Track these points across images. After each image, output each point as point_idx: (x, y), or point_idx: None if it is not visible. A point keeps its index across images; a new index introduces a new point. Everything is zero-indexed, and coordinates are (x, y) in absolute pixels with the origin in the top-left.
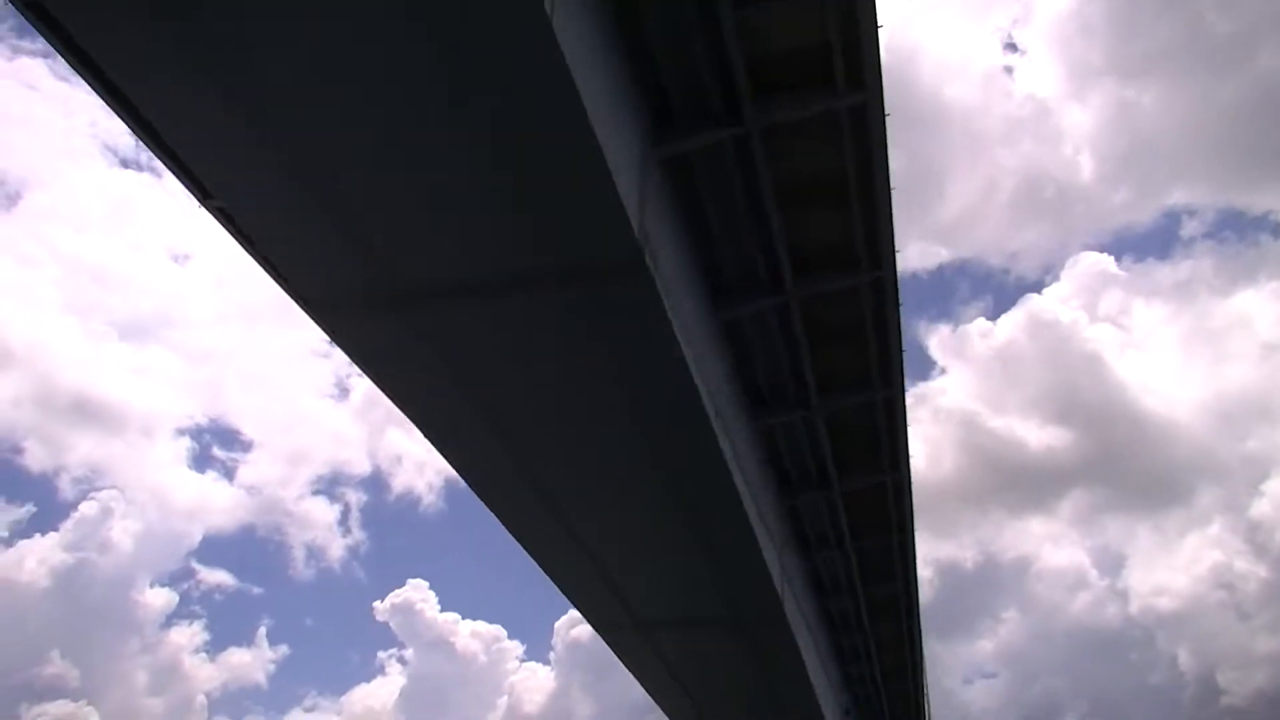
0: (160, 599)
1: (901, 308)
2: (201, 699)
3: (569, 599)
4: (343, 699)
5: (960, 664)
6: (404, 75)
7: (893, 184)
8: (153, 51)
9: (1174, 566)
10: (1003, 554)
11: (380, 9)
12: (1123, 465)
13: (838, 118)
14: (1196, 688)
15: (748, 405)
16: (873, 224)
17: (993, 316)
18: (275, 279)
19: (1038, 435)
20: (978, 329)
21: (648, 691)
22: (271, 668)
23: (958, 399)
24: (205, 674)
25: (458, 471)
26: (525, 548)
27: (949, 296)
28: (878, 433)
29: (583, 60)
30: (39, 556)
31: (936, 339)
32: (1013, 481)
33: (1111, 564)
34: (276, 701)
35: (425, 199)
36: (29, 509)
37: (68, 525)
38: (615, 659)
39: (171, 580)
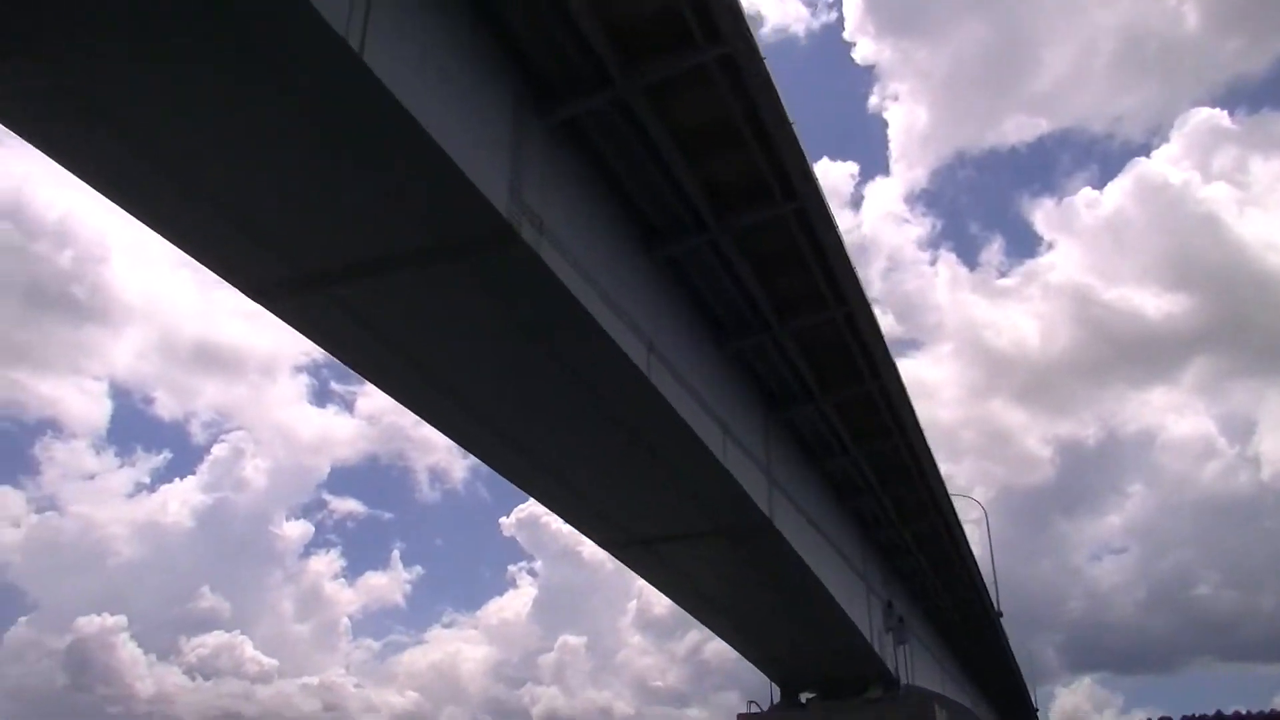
0: (297, 530)
1: (841, 230)
2: (345, 622)
3: (566, 521)
4: (478, 613)
5: (1087, 541)
6: (250, 101)
7: (792, 119)
8: (17, 90)
9: None
10: (1125, 428)
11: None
12: (1247, 328)
13: (708, 71)
14: None
15: (711, 334)
16: (777, 159)
17: (1099, 185)
18: (220, 275)
19: (1155, 304)
20: (1084, 200)
21: (677, 603)
22: (408, 588)
23: (1068, 273)
24: (346, 598)
25: (426, 420)
26: (508, 479)
27: (1051, 169)
28: (849, 347)
29: (417, 61)
30: (180, 499)
31: (1041, 214)
32: (1132, 353)
33: (1240, 431)
34: (416, 620)
35: (302, 198)
36: (165, 455)
37: (203, 468)
38: None
39: (305, 512)
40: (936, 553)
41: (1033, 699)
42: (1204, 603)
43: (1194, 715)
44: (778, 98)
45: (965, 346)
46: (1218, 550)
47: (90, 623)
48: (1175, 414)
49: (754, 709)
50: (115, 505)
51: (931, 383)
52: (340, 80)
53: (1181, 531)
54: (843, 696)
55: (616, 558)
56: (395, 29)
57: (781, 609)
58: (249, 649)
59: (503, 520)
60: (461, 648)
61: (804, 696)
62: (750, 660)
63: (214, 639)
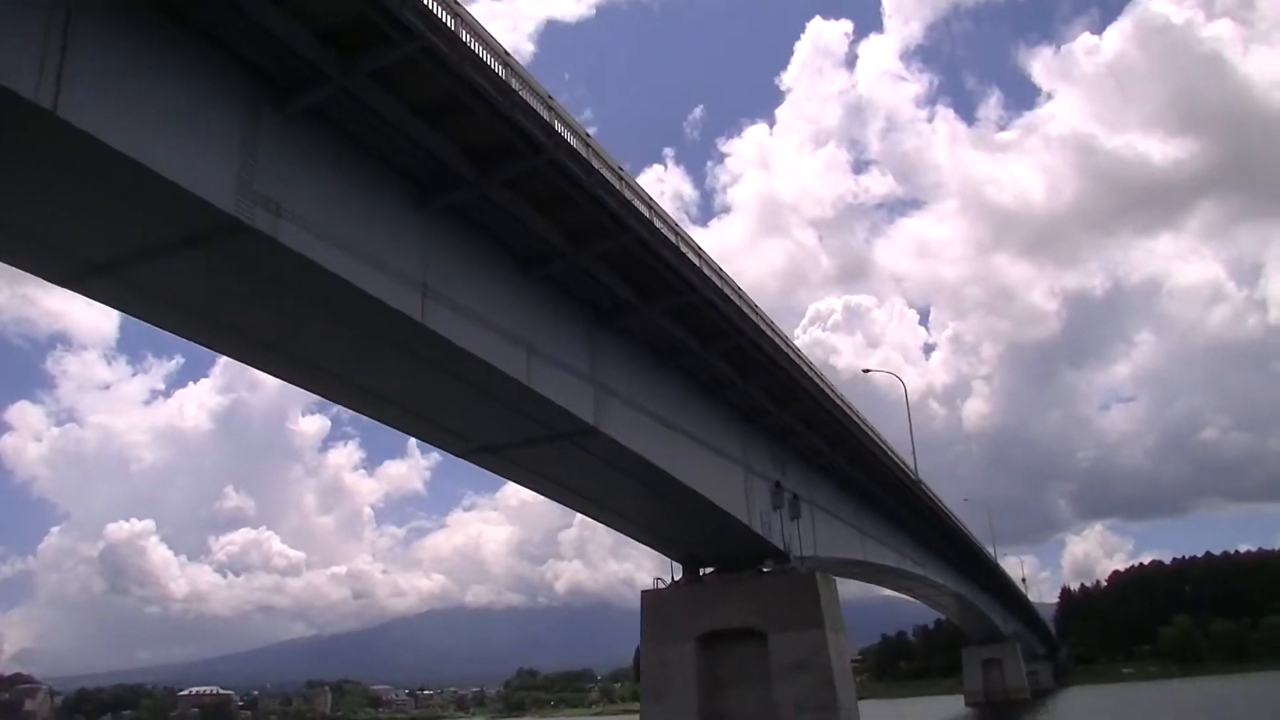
0: (314, 426)
1: (606, 172)
2: (368, 511)
3: (421, 439)
4: (497, 495)
5: (1096, 391)
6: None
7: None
8: None
9: None
10: (1132, 277)
11: None
12: (1254, 170)
13: (416, 60)
14: None
15: (520, 266)
16: (513, 122)
17: (1098, 30)
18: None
19: (1160, 150)
20: (1083, 46)
21: (551, 499)
22: (427, 474)
23: (1069, 124)
24: (367, 488)
25: (278, 376)
26: (364, 414)
27: (1049, 16)
28: (655, 266)
29: (131, 98)
30: (196, 403)
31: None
32: (1138, 201)
33: (1248, 274)
34: (437, 505)
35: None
36: (178, 360)
37: (215, 370)
38: None
39: (320, 407)
40: (832, 433)
41: (990, 554)
42: (1212, 447)
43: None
44: (494, 74)
45: (968, 204)
46: (1226, 394)
47: (120, 529)
48: (1182, 260)
49: (659, 584)
50: (133, 413)
51: (935, 242)
52: (45, 136)
53: (1190, 378)
54: (738, 570)
55: (475, 464)
56: (96, 81)
57: (644, 498)
58: (276, 544)
59: None
60: (483, 529)
61: (704, 571)
62: (643, 543)
63: (241, 536)
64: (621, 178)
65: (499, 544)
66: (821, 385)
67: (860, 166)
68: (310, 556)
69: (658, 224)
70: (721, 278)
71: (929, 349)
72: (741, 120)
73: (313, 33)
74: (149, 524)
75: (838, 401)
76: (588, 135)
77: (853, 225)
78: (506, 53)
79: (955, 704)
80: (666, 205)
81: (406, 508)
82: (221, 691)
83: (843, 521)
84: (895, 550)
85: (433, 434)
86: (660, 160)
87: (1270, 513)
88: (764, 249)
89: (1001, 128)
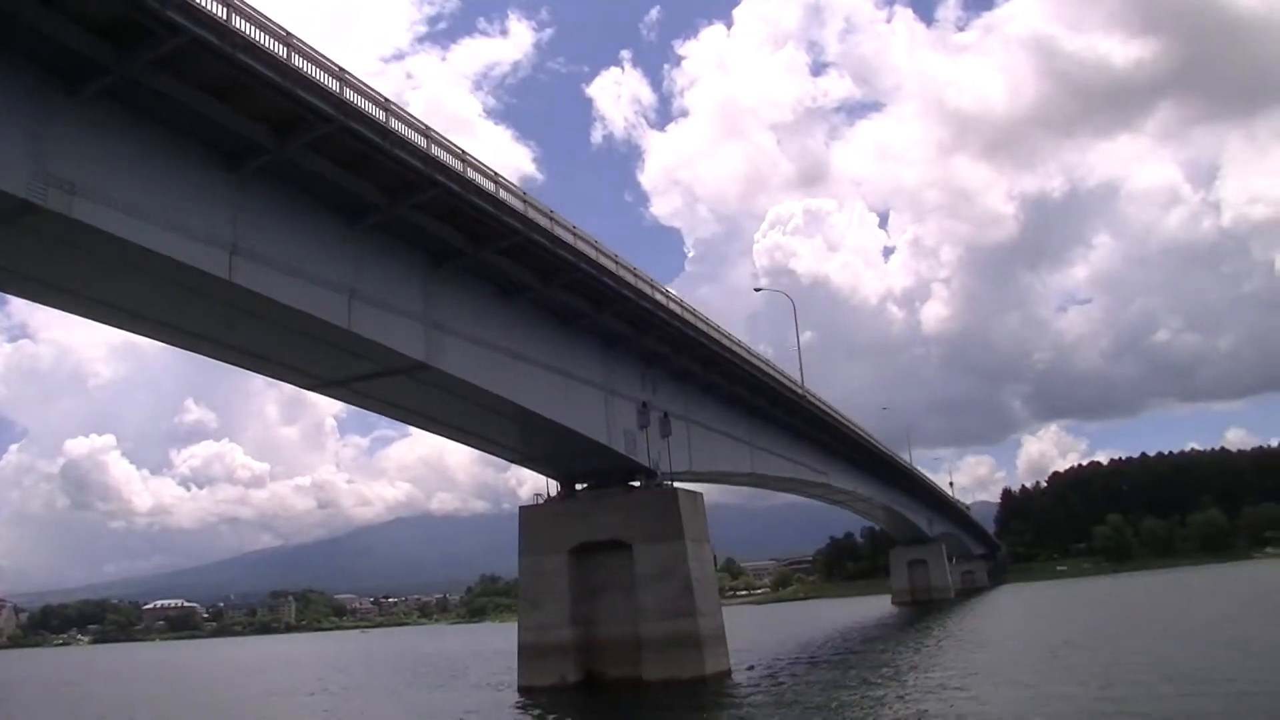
0: None
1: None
2: (331, 422)
3: (275, 378)
4: None
5: (1053, 293)
6: None
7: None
8: None
9: (1270, 172)
10: (1090, 179)
11: None
12: (1214, 71)
13: (190, 49)
14: None
15: (343, 219)
16: (298, 98)
17: None
18: None
19: (1122, 50)
20: None
21: (415, 426)
22: None
23: (1028, 24)
24: (329, 399)
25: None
26: (226, 362)
27: None
28: (473, 214)
29: None
30: None
31: None
32: (1098, 102)
33: (1204, 177)
34: None
35: None
36: None
37: None
38: None
39: None
40: (702, 355)
41: (904, 459)
42: (1164, 348)
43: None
44: (271, 57)
45: (928, 106)
46: (1179, 296)
47: (80, 445)
48: (1140, 163)
49: (538, 500)
50: (87, 327)
51: (895, 145)
52: None
53: (1145, 280)
54: (609, 486)
55: (327, 396)
56: None
57: (500, 424)
58: (239, 456)
59: None
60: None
61: (580, 488)
62: (514, 462)
63: (204, 449)
64: (430, 136)
65: (463, 452)
66: (680, 311)
67: (819, 69)
68: (274, 468)
69: (471, 175)
70: (552, 219)
71: (888, 252)
72: (698, 21)
73: (85, 29)
74: (109, 439)
75: (700, 325)
76: (387, 100)
77: (812, 128)
78: (289, 34)
79: (884, 603)
80: (624, 109)
81: (369, 417)
82: (186, 604)
83: (729, 437)
84: (791, 460)
85: (278, 372)
86: (617, 63)
87: (1218, 411)
88: (723, 153)
89: (960, 29)
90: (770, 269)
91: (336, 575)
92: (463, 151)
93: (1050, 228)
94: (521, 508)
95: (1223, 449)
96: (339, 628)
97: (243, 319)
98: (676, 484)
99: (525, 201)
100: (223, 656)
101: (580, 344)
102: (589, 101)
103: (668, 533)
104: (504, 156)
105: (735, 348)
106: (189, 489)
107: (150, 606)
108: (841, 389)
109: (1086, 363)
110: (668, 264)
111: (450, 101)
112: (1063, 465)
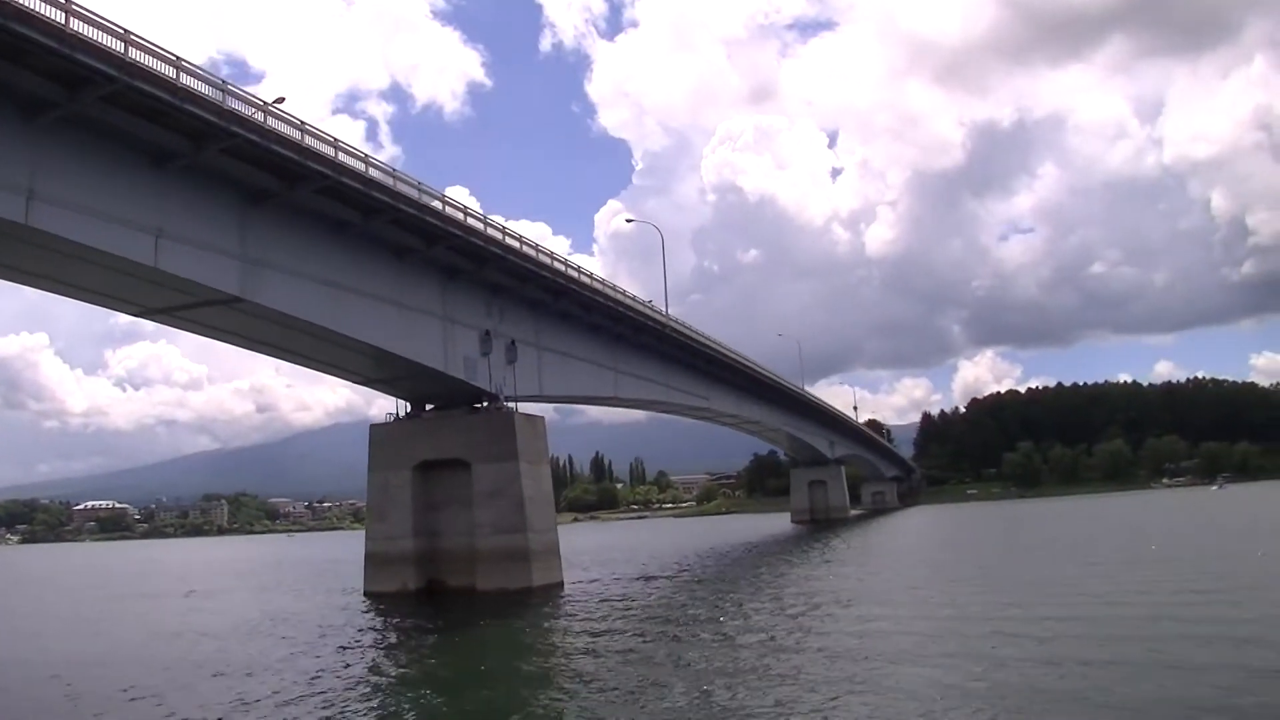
0: None
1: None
2: None
3: (111, 308)
4: None
5: (996, 221)
6: None
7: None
8: None
9: (1212, 110)
10: (1038, 110)
11: None
12: (1165, 5)
13: None
14: (1226, 230)
15: (151, 164)
16: (74, 61)
17: None
18: None
19: None
20: None
21: (258, 352)
22: None
23: None
24: None
25: None
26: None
27: None
28: (279, 159)
29: None
30: None
31: None
32: (1051, 31)
33: (1150, 112)
34: None
35: None
36: None
37: None
38: (657, 246)
39: None
40: (549, 285)
41: (794, 387)
42: (1100, 279)
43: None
44: (47, 23)
45: (882, 28)
46: (1118, 229)
47: (10, 343)
48: (1088, 95)
49: (388, 418)
50: None
51: (847, 66)
52: None
53: (1086, 211)
54: (454, 408)
55: (154, 322)
56: None
57: (336, 351)
58: (176, 358)
59: None
60: None
61: (428, 408)
62: (364, 385)
63: (140, 350)
64: (226, 90)
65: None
66: (518, 246)
67: None
68: (212, 371)
69: (273, 123)
70: (367, 162)
71: (836, 173)
72: None
73: None
74: (41, 338)
75: (540, 258)
76: (179, 58)
77: (764, 45)
78: (68, 1)
79: (786, 520)
80: (574, 17)
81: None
82: (118, 505)
83: (589, 362)
84: (664, 385)
85: (107, 303)
86: None
87: (1149, 344)
88: (673, 66)
89: None
90: (718, 185)
91: (274, 479)
92: (264, 102)
93: (997, 156)
94: (372, 426)
95: (1134, 381)
96: (270, 531)
97: (56, 259)
98: (522, 407)
99: (336, 147)
100: (138, 558)
101: (416, 276)
102: (539, 8)
103: (503, 453)
104: (450, 60)
105: (583, 278)
106: (125, 390)
107: (81, 507)
108: (785, 307)
109: (1025, 291)
110: (615, 175)
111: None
112: (998, 390)
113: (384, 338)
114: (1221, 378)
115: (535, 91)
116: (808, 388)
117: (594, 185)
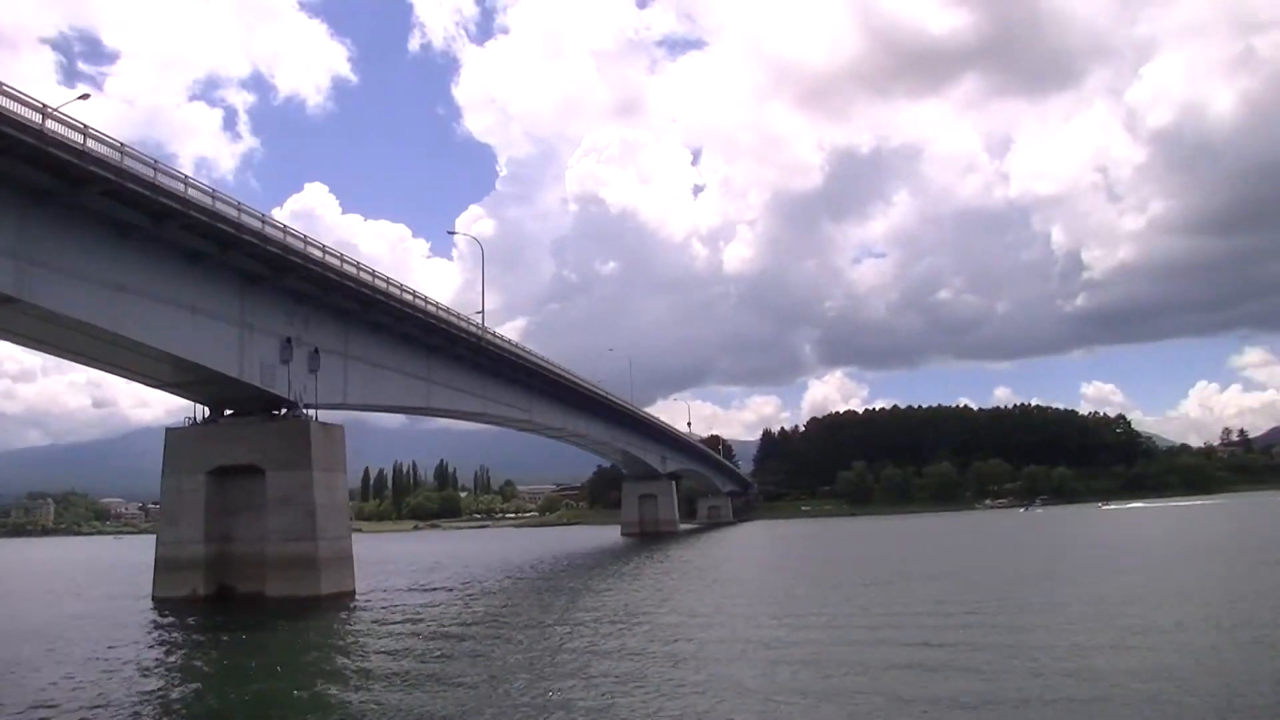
0: None
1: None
2: None
3: None
4: None
5: (851, 245)
6: None
7: None
8: None
9: (1055, 150)
10: (895, 139)
11: None
12: (1017, 49)
13: None
14: (1064, 264)
15: None
16: None
17: None
18: None
19: (939, 17)
20: None
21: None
22: None
23: None
24: None
25: None
26: None
27: None
28: (52, 159)
29: None
30: None
31: None
32: (912, 65)
33: (999, 148)
34: None
35: None
36: None
37: None
38: (518, 253)
39: None
40: (357, 296)
41: (620, 401)
42: (946, 306)
43: (874, 408)
44: None
45: (749, 50)
46: (964, 258)
47: None
48: (943, 128)
49: (188, 422)
50: None
51: (714, 85)
52: None
53: (936, 240)
54: (253, 414)
55: None
56: None
57: (126, 355)
58: (5, 346)
59: (275, 211)
60: None
61: (227, 412)
62: (159, 389)
63: None
64: (2, 90)
65: None
66: (323, 256)
67: (644, 1)
68: (47, 362)
69: (52, 126)
70: (156, 168)
71: (699, 190)
72: None
73: None
74: None
75: (345, 268)
76: None
77: (633, 60)
78: None
79: (616, 533)
80: (445, 19)
81: None
82: None
83: (400, 372)
84: (481, 397)
85: None
86: None
87: (989, 370)
88: (542, 75)
89: None
90: (581, 196)
91: (111, 477)
92: (44, 105)
93: (855, 182)
94: (167, 430)
95: (966, 405)
96: (100, 532)
97: None
98: (322, 416)
99: (123, 152)
100: None
101: (213, 282)
102: (409, 7)
103: (297, 461)
104: (315, 53)
105: (391, 289)
106: None
107: None
108: (642, 320)
109: (874, 314)
110: (479, 181)
111: None
112: (839, 410)
113: (174, 342)
114: (1051, 405)
115: (402, 91)
116: (660, 401)
117: (457, 190)
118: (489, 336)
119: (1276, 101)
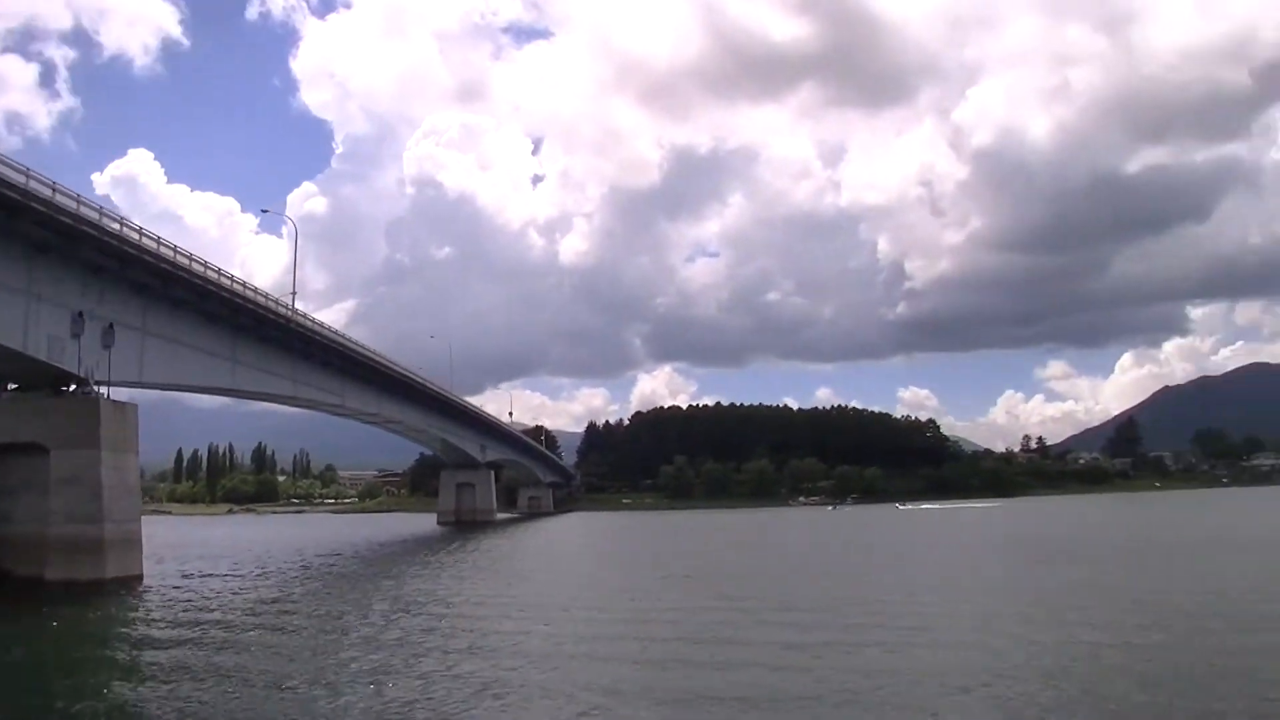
0: None
1: None
2: None
3: None
4: None
5: (686, 243)
6: None
7: None
8: None
9: (885, 162)
10: (733, 141)
11: None
12: (853, 62)
13: None
14: (888, 273)
15: None
16: None
17: None
18: None
19: (781, 25)
20: None
21: None
22: None
23: None
24: None
25: None
26: None
27: None
28: None
29: None
30: None
31: None
32: (753, 70)
33: (832, 156)
34: None
35: None
36: None
37: None
38: (350, 233)
39: None
40: (155, 270)
41: (435, 388)
42: (774, 307)
43: (697, 405)
44: None
45: (595, 42)
46: (794, 262)
47: None
48: (779, 134)
49: None
50: None
51: (558, 75)
52: None
53: (768, 242)
54: (37, 389)
55: None
56: None
57: None
58: None
59: (94, 176)
60: None
61: (10, 386)
62: None
63: None
64: None
65: None
66: (119, 229)
67: None
68: None
69: None
70: None
71: (538, 180)
72: None
73: None
74: None
75: (141, 241)
76: None
77: (478, 44)
78: None
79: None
80: None
81: None
82: None
83: (203, 351)
84: (291, 380)
85: None
86: None
87: (813, 371)
88: (382, 53)
89: None
90: (418, 178)
91: None
92: None
93: (691, 181)
94: None
95: (785, 405)
96: None
97: None
98: (127, 395)
99: None
100: None
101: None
102: None
103: (84, 440)
104: (144, 11)
105: (194, 265)
106: None
107: None
108: (473, 307)
109: (705, 312)
110: (314, 157)
111: None
112: (663, 405)
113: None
114: (869, 407)
115: (237, 59)
116: (490, 390)
117: (290, 165)
118: (299, 318)
119: (1087, 131)
